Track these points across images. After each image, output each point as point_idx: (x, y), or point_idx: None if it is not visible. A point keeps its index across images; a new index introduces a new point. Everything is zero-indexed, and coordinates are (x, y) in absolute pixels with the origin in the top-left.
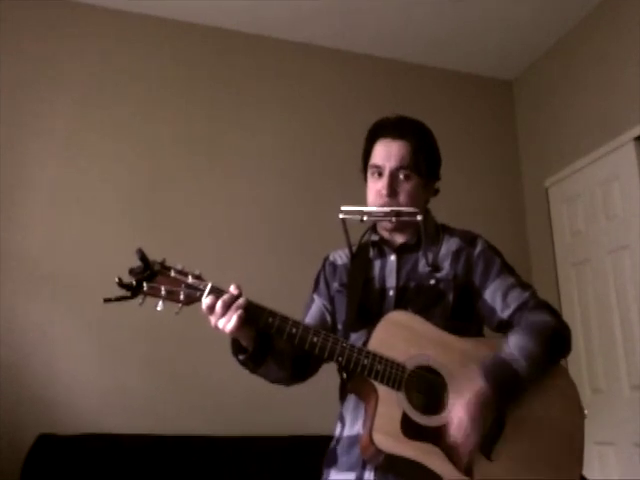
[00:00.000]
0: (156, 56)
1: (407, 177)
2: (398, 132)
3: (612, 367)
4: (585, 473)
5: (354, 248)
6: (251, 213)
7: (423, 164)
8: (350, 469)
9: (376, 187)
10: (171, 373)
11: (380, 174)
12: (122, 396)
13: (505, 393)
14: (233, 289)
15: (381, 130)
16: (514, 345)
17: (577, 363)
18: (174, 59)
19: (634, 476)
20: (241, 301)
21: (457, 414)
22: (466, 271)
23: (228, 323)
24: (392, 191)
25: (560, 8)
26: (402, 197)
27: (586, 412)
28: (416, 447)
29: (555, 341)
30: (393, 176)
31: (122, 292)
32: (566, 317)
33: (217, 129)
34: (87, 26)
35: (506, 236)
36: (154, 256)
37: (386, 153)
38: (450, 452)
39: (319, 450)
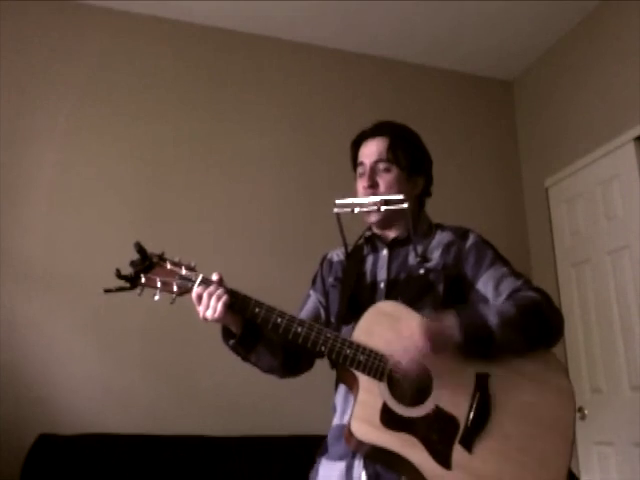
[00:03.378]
0: (156, 56)
1: (387, 169)
2: (376, 131)
3: (612, 367)
4: (585, 473)
5: (350, 247)
6: (251, 212)
7: (402, 157)
8: (340, 458)
9: (361, 183)
10: (171, 373)
11: (364, 171)
12: (122, 396)
13: (474, 337)
14: (215, 277)
15: (363, 135)
16: (491, 305)
17: (577, 363)
18: (174, 59)
19: (634, 476)
20: (220, 291)
21: (410, 323)
22: (456, 262)
23: (214, 312)
24: (373, 182)
25: (560, 8)
26: (382, 187)
27: (586, 412)
28: (394, 437)
29: (534, 313)
30: (373, 169)
31: (121, 283)
32: (566, 317)
33: (217, 129)
34: (87, 26)
35: (506, 236)
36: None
37: (367, 151)
38: (429, 443)
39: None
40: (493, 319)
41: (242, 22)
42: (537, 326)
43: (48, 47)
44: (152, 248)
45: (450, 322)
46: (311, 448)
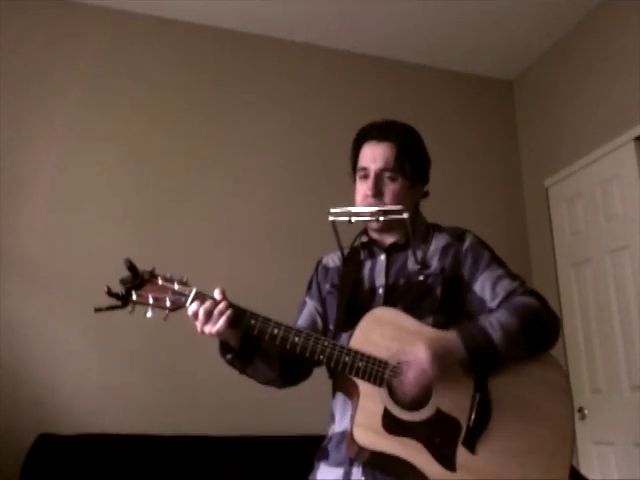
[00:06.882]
0: (155, 56)
1: (392, 179)
2: (383, 134)
3: (612, 367)
4: (585, 473)
5: (346, 251)
6: (252, 212)
7: (408, 166)
8: (339, 465)
9: (363, 189)
10: (171, 373)
11: (366, 176)
12: (122, 396)
13: (478, 354)
14: (217, 294)
15: (367, 133)
16: (492, 317)
17: (577, 363)
18: (173, 59)
19: (634, 476)
20: (222, 305)
21: (417, 346)
22: (454, 265)
23: (214, 326)
24: (377, 192)
25: (560, 8)
26: (387, 198)
27: (586, 412)
28: (397, 442)
29: (534, 321)
30: (378, 177)
31: (113, 301)
32: (566, 317)
33: (216, 129)
34: (86, 25)
35: (506, 236)
36: (150, 256)
37: (371, 155)
38: (432, 446)
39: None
40: (496, 334)
41: (242, 22)
42: (538, 334)
43: (48, 49)
44: (150, 250)
45: (454, 341)
46: (310, 448)
